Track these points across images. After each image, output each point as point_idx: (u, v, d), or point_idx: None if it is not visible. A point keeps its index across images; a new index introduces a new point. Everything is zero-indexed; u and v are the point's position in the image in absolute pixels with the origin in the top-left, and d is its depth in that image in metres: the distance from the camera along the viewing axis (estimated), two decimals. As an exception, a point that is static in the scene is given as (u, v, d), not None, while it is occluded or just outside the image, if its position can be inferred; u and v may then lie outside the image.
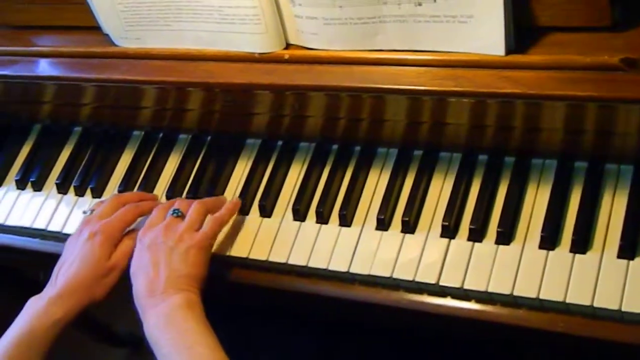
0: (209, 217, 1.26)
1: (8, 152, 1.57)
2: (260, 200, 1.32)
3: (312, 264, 1.23)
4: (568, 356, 1.33)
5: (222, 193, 1.37)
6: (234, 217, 1.31)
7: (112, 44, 1.39)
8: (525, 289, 1.10)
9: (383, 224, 1.23)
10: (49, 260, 1.28)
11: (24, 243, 1.46)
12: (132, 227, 1.29)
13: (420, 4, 1.11)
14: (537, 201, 1.19)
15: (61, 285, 1.20)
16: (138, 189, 1.43)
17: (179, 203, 1.28)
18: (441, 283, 1.15)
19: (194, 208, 1.25)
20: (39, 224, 1.44)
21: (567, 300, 1.07)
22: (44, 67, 1.41)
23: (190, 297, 1.15)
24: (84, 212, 1.35)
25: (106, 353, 2.34)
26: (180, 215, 1.24)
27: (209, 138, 1.44)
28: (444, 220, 1.19)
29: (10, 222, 1.47)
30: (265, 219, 1.31)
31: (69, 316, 1.19)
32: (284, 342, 1.52)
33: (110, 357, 2.35)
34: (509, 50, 1.10)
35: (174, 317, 1.12)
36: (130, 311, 1.17)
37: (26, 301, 1.22)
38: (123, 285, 1.24)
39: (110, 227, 1.25)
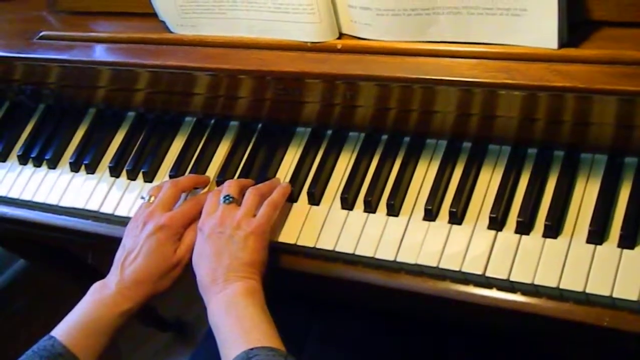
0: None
1: (62, 135, 1.59)
2: (309, 188, 1.33)
3: (359, 252, 1.24)
4: (611, 354, 1.32)
5: (272, 179, 1.39)
6: (283, 205, 1.32)
7: (168, 31, 1.41)
8: (571, 283, 1.10)
9: (431, 215, 1.23)
10: (101, 242, 1.31)
11: (77, 224, 1.49)
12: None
13: (474, -4, 1.12)
14: (585, 196, 1.18)
15: (129, 278, 1.24)
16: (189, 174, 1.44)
17: (229, 187, 1.29)
18: (487, 274, 1.15)
19: (249, 195, 1.27)
20: (92, 206, 1.46)
21: (614, 295, 1.07)
22: (101, 52, 1.44)
23: (251, 285, 1.17)
24: (142, 198, 1.36)
25: (152, 336, 2.38)
26: (232, 200, 1.26)
27: (259, 125, 1.46)
28: (491, 212, 1.19)
29: (64, 203, 1.50)
30: (314, 207, 1.32)
31: (135, 307, 1.24)
32: (329, 332, 1.53)
33: (156, 339, 2.39)
34: (561, 44, 1.10)
35: (234, 304, 1.15)
36: (177, 296, 1.19)
37: (78, 281, 1.25)
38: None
39: (175, 222, 1.28)
